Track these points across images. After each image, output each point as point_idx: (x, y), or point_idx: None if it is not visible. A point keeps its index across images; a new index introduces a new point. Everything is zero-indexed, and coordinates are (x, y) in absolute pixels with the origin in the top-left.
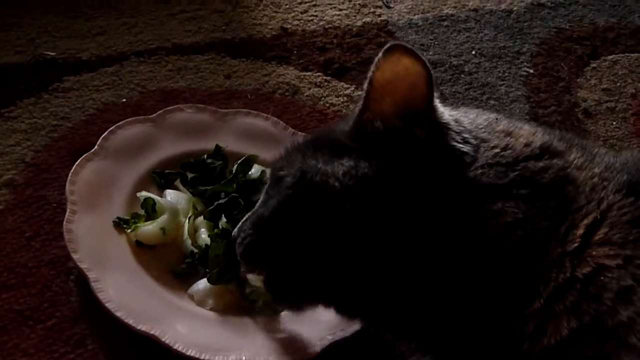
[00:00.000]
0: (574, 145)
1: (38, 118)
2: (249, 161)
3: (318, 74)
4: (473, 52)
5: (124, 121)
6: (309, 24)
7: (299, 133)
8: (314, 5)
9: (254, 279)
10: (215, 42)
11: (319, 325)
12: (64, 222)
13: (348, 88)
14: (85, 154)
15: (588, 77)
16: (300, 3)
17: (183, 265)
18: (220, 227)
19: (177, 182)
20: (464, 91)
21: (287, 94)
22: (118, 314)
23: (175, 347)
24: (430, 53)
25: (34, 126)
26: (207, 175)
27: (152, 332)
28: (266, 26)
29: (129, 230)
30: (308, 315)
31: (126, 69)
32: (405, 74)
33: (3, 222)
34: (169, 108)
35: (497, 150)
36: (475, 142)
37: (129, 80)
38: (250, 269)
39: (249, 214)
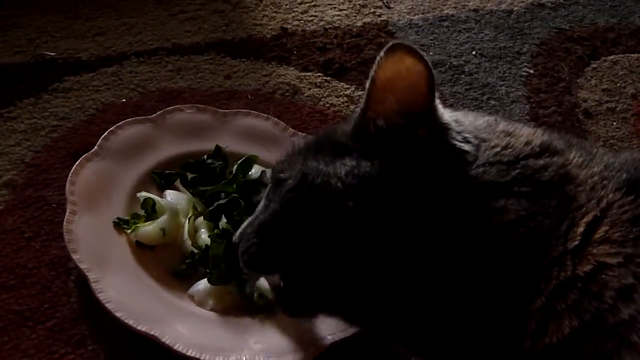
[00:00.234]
0: (573, 144)
1: (38, 118)
2: (249, 161)
3: (318, 74)
4: (473, 53)
5: (124, 121)
6: (309, 25)
7: (299, 133)
8: (314, 6)
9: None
10: (216, 42)
11: (320, 325)
12: (64, 223)
13: (348, 88)
14: (85, 155)
15: (588, 78)
16: (301, 3)
17: (183, 265)
18: (221, 227)
19: (177, 183)
20: (464, 91)
21: (287, 94)
22: (118, 314)
23: (176, 347)
24: (431, 53)
25: (34, 126)
26: (207, 176)
27: (152, 333)
28: (266, 26)
29: (129, 231)
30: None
31: (126, 69)
32: (407, 73)
33: (3, 222)
34: (169, 108)
35: (498, 149)
36: (476, 142)
37: (129, 81)
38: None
39: (250, 218)
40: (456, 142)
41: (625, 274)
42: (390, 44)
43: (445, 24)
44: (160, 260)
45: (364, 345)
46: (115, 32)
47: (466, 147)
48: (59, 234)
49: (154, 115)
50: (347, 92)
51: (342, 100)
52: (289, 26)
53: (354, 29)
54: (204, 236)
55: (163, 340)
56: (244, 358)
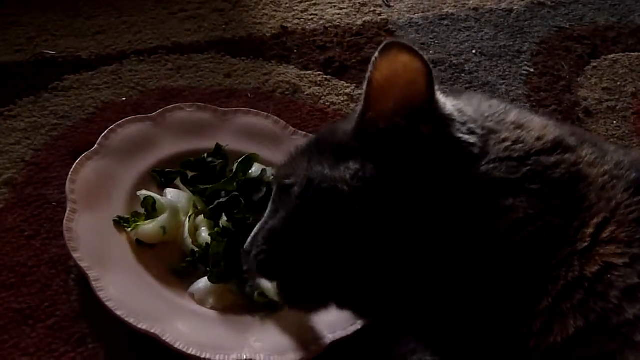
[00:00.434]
0: (585, 141)
1: (38, 117)
2: (250, 160)
3: (318, 72)
4: (473, 51)
5: (124, 120)
6: (309, 23)
7: (300, 132)
8: (314, 4)
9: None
10: (216, 41)
11: (320, 324)
12: (64, 221)
13: (348, 87)
14: (86, 153)
15: (588, 76)
16: (301, 2)
17: (183, 264)
18: (221, 225)
19: (178, 181)
20: (464, 90)
21: (287, 92)
22: (118, 312)
23: (176, 345)
24: (431, 52)
25: (34, 125)
26: (207, 174)
27: (152, 331)
28: (266, 25)
29: (130, 229)
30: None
31: (126, 68)
32: (404, 70)
33: (3, 221)
34: (169, 107)
35: (509, 143)
36: (481, 133)
37: (129, 79)
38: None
39: (259, 225)
40: (461, 135)
41: (630, 274)
42: (384, 43)
43: (445, 22)
44: (161, 259)
45: (364, 345)
46: (115, 30)
47: (472, 139)
48: (59, 232)
49: (154, 113)
50: (347, 90)
51: (342, 99)
52: (289, 25)
53: (354, 28)
54: (204, 234)
55: (163, 338)
56: (245, 356)
